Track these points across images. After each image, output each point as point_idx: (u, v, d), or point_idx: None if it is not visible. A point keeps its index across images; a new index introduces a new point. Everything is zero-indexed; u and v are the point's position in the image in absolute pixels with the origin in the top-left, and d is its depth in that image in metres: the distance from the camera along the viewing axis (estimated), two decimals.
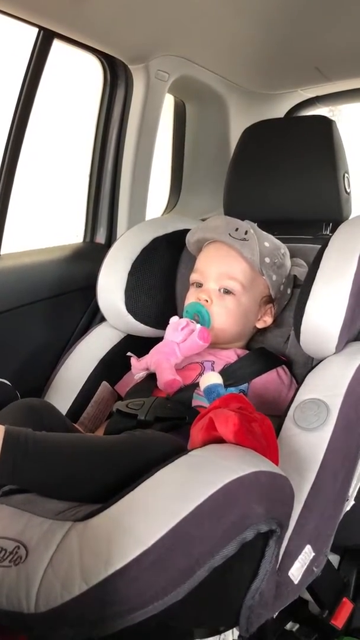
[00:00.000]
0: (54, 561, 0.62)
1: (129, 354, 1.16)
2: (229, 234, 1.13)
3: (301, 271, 1.18)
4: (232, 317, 1.12)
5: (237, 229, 1.13)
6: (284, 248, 1.17)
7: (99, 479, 0.74)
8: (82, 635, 0.61)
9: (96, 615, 0.59)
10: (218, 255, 1.15)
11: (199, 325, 1.10)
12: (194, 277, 1.18)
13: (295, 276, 1.19)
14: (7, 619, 0.62)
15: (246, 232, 1.13)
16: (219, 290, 1.13)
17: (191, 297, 1.16)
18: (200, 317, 1.11)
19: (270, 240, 1.15)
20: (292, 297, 1.21)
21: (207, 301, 1.12)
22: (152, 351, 1.13)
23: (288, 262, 1.18)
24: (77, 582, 0.59)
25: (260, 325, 1.18)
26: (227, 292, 1.12)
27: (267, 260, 1.12)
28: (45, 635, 0.62)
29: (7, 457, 0.71)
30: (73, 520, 0.66)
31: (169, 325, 1.14)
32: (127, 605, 0.59)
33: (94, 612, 0.59)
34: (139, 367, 1.13)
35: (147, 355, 1.13)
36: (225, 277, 1.12)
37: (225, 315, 1.12)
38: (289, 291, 1.19)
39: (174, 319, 1.14)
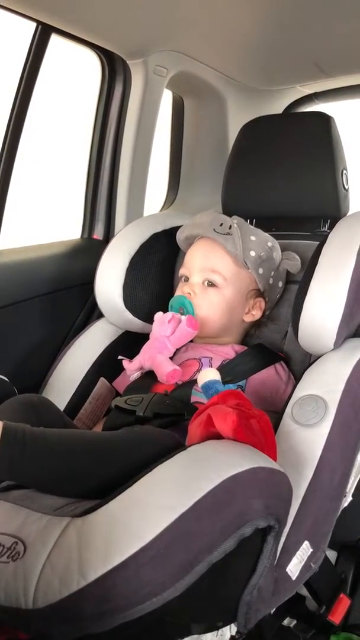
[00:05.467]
0: (52, 557, 0.62)
1: (120, 357, 1.17)
2: (214, 229, 1.14)
3: (292, 264, 1.18)
4: (216, 309, 1.13)
5: (221, 224, 1.15)
6: (272, 241, 1.18)
7: (97, 475, 0.74)
8: (80, 630, 0.61)
9: (94, 611, 0.59)
10: (203, 250, 1.17)
11: (184, 316, 1.11)
12: (181, 271, 1.20)
13: (287, 270, 1.19)
14: (5, 615, 0.62)
15: (230, 227, 1.14)
16: (203, 283, 1.14)
17: (178, 292, 1.18)
18: (184, 308, 1.13)
19: (257, 234, 1.16)
20: (286, 291, 1.21)
21: (190, 294, 1.14)
22: (143, 349, 1.13)
23: (277, 255, 1.18)
24: (76, 577, 0.59)
25: (248, 319, 1.18)
26: (210, 284, 1.14)
27: (252, 253, 1.13)
28: (44, 631, 0.62)
29: (5, 452, 0.71)
30: (71, 516, 0.66)
31: (154, 322, 1.14)
32: (125, 601, 0.59)
33: (92, 607, 0.59)
34: (132, 368, 1.14)
35: (138, 355, 1.13)
36: (208, 271, 1.14)
37: (208, 307, 1.13)
38: (280, 284, 1.19)
39: (158, 315, 1.15)
